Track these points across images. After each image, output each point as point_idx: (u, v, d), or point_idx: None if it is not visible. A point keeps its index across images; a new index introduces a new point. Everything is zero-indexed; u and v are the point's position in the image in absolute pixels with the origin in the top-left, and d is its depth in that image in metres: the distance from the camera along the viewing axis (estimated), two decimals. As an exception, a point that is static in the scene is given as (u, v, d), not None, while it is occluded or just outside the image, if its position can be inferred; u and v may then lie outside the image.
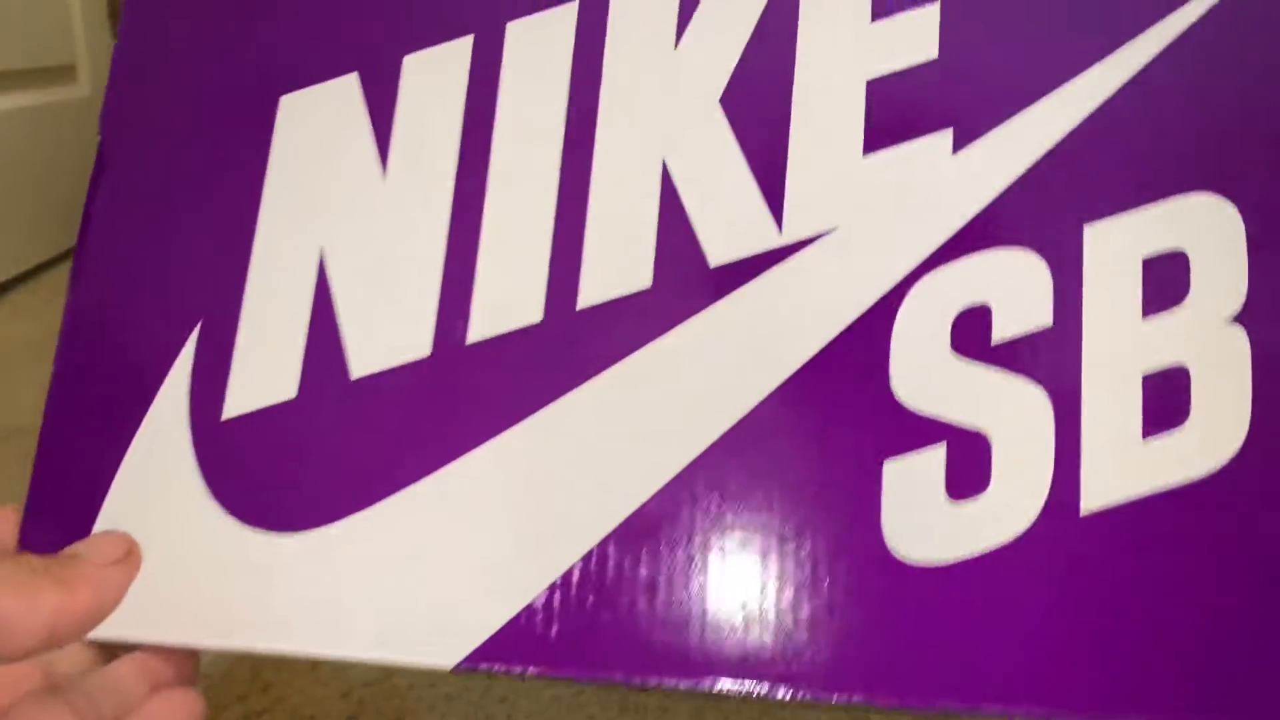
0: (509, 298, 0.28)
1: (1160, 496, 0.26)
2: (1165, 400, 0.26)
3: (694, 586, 0.26)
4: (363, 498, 0.27)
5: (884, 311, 0.27)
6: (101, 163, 0.29)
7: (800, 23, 0.28)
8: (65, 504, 0.27)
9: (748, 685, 0.25)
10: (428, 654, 0.26)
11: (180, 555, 0.27)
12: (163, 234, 0.28)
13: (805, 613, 0.26)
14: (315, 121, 0.29)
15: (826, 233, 0.27)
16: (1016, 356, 0.26)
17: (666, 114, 0.28)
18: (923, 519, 0.26)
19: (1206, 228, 0.27)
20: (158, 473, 0.27)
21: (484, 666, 0.26)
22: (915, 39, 0.28)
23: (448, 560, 0.26)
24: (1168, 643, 0.25)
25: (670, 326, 0.27)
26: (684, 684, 0.25)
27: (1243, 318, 0.26)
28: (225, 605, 0.26)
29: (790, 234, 0.27)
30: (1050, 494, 0.26)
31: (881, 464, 0.26)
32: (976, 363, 0.26)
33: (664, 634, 0.26)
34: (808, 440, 0.26)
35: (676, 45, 0.29)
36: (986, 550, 0.26)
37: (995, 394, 0.26)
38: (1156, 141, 0.27)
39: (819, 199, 0.27)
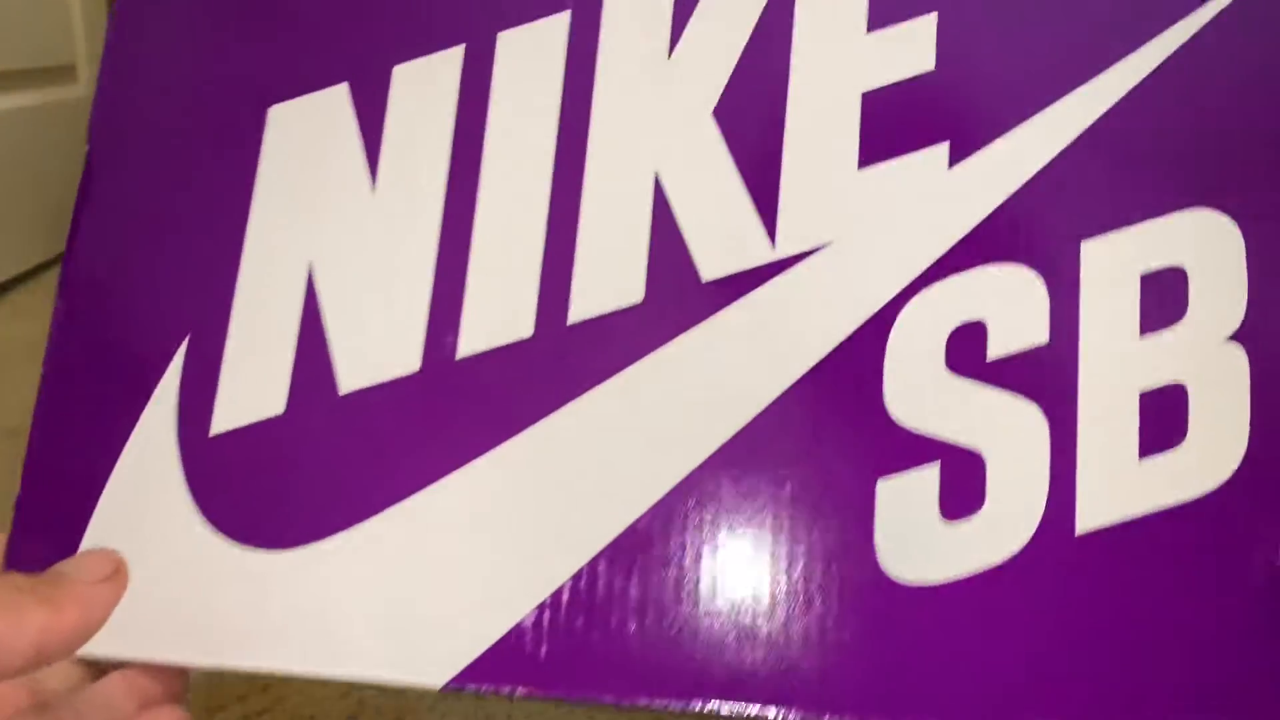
0: (499, 312, 0.27)
1: (1156, 516, 0.25)
2: (1162, 419, 0.26)
3: (685, 605, 0.26)
4: (350, 515, 0.26)
5: (878, 328, 0.26)
6: (89, 175, 0.29)
7: (795, 33, 0.28)
8: (52, 520, 0.27)
9: (739, 706, 0.25)
10: (416, 673, 0.26)
11: (168, 572, 0.26)
12: (151, 247, 0.28)
13: (798, 632, 0.25)
14: (304, 132, 0.29)
15: (820, 247, 0.27)
16: (1012, 374, 0.26)
17: (659, 125, 0.28)
18: (916, 539, 0.25)
19: (1205, 244, 0.26)
20: (145, 489, 0.27)
21: (472, 686, 0.25)
22: (912, 50, 0.28)
23: (436, 578, 0.26)
24: (1162, 664, 0.25)
25: (662, 342, 0.27)
26: (675, 704, 0.25)
27: (1241, 335, 0.26)
28: (212, 622, 0.26)
29: (783, 248, 0.27)
30: (1045, 514, 0.25)
31: (875, 483, 0.26)
32: (971, 380, 0.26)
33: (655, 654, 0.25)
34: (800, 458, 0.26)
35: (670, 55, 0.28)
36: (980, 570, 0.25)
37: (990, 412, 0.26)
38: (1155, 156, 0.27)
39: (813, 213, 0.27)
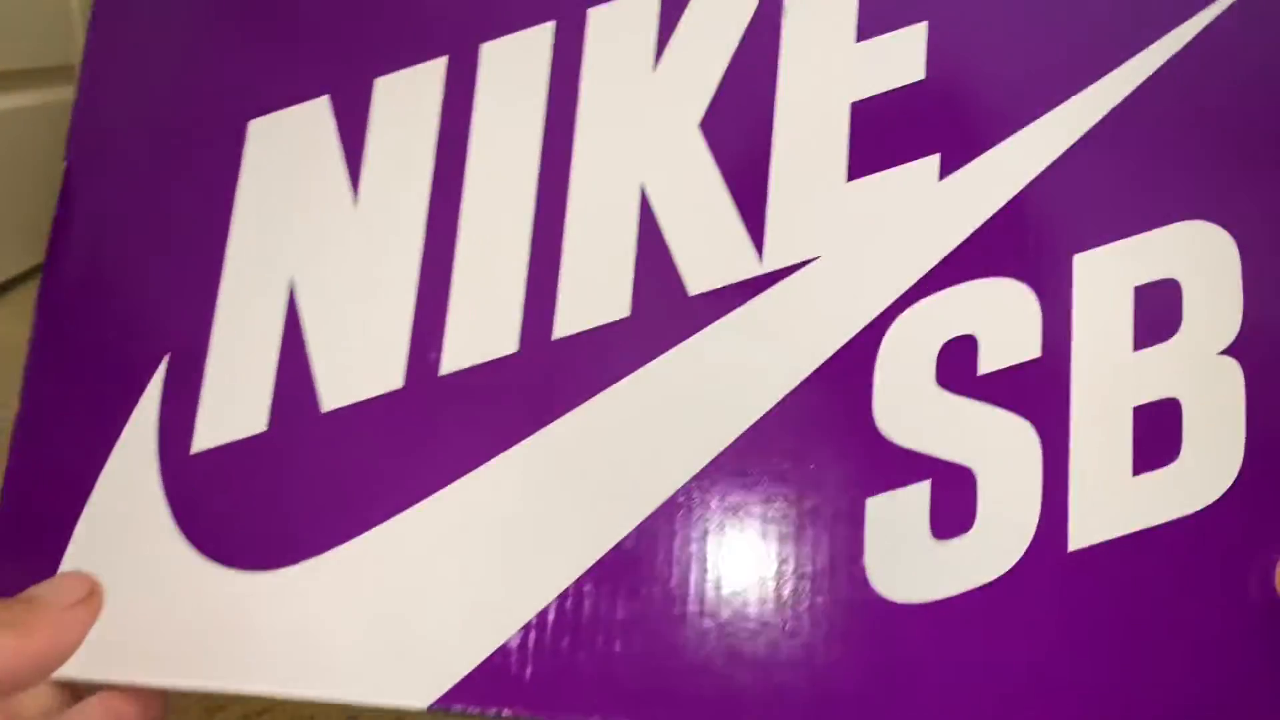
0: (483, 327, 0.27)
1: (1150, 532, 0.25)
2: (1156, 434, 0.25)
3: (672, 626, 0.25)
4: (333, 535, 0.26)
5: (867, 343, 0.26)
6: (66, 191, 0.28)
7: (783, 42, 0.28)
8: (31, 541, 0.26)
9: (727, 727, 0.25)
10: (400, 694, 0.25)
11: (148, 593, 0.26)
12: (130, 264, 0.28)
13: (787, 652, 0.25)
14: (285, 146, 0.28)
15: (809, 261, 0.27)
16: (1003, 389, 0.26)
17: (645, 137, 0.27)
18: (907, 557, 0.25)
19: (1200, 256, 0.26)
20: (125, 508, 0.26)
21: (457, 707, 0.25)
22: (901, 59, 0.27)
23: (421, 599, 0.26)
24: (1156, 681, 0.24)
25: (649, 357, 0.26)
26: (662, 726, 0.25)
27: (1236, 349, 0.25)
28: (193, 644, 0.26)
29: (771, 262, 0.27)
30: (1037, 531, 0.25)
31: (864, 501, 0.25)
32: (962, 396, 0.26)
33: (641, 675, 0.25)
34: (788, 476, 0.26)
35: (655, 66, 0.28)
36: (972, 588, 0.25)
37: (981, 428, 0.26)
38: (1149, 167, 0.26)
39: (801, 226, 0.27)
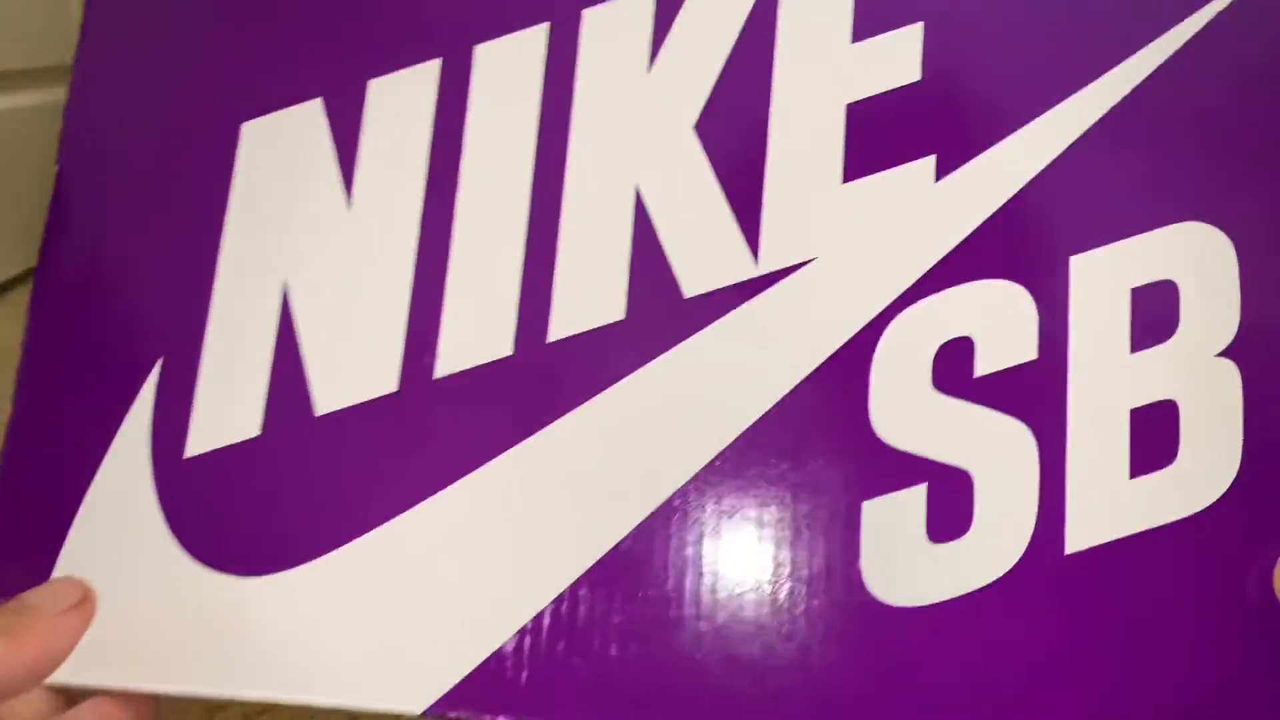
0: (478, 330, 0.27)
1: (1147, 535, 0.25)
2: (1153, 436, 0.25)
3: (668, 630, 0.25)
4: (327, 540, 0.26)
5: (863, 345, 0.26)
6: (59, 195, 0.28)
7: (778, 43, 0.27)
8: (24, 546, 0.26)
9: (723, 731, 0.25)
10: (394, 700, 0.25)
11: (142, 598, 0.26)
12: (123, 267, 0.28)
13: (783, 656, 0.25)
14: (278, 149, 0.28)
15: (804, 263, 0.26)
16: (1000, 392, 0.26)
17: (639, 139, 0.27)
18: (903, 560, 0.25)
19: (1198, 258, 0.26)
20: (119, 513, 0.26)
21: (453, 713, 0.25)
22: (897, 60, 0.27)
23: (415, 604, 0.25)
24: (1154, 685, 0.24)
25: (644, 360, 0.26)
26: (658, 730, 0.25)
27: (1233, 351, 0.25)
28: (186, 649, 0.26)
29: (767, 264, 0.26)
30: (1034, 534, 0.25)
31: (860, 504, 0.25)
32: (959, 398, 0.26)
33: (637, 679, 0.25)
34: (784, 479, 0.26)
35: (650, 68, 0.28)
36: (969, 591, 0.25)
37: (978, 431, 0.25)
38: (1146, 168, 0.26)
39: (796, 228, 0.27)
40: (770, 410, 0.26)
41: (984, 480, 0.25)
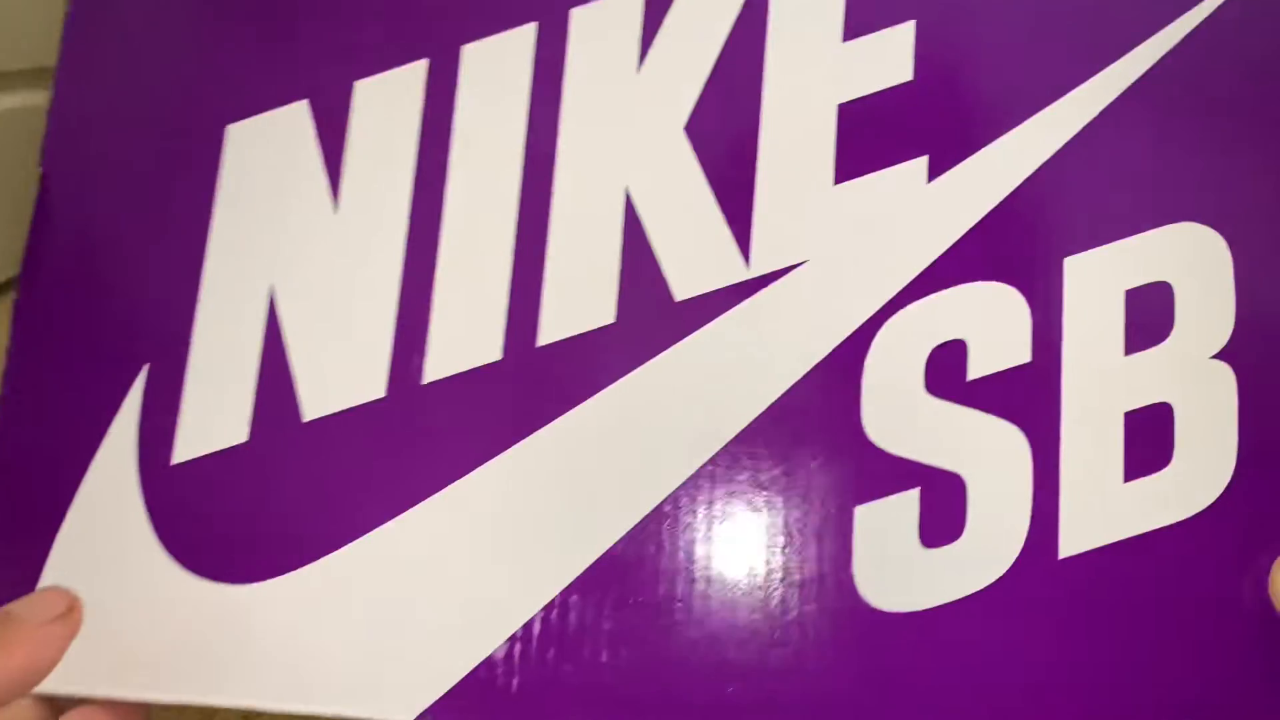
0: (466, 334, 0.27)
1: (1142, 539, 0.25)
2: (1148, 440, 0.25)
3: (660, 635, 0.25)
4: (315, 548, 0.26)
5: (855, 348, 0.26)
6: (43, 200, 0.28)
7: (769, 43, 0.27)
8: (10, 555, 0.26)
9: (715, 737, 0.24)
10: (385, 708, 0.25)
11: (129, 607, 0.26)
12: (108, 272, 0.27)
13: (775, 661, 0.25)
14: (264, 151, 0.28)
15: (795, 266, 0.26)
16: (993, 395, 0.25)
17: (629, 140, 0.27)
18: (896, 566, 0.25)
19: (1192, 259, 0.26)
20: (106, 521, 0.26)
21: (443, 720, 0.25)
22: (889, 60, 0.27)
23: (405, 611, 0.25)
24: (1149, 691, 0.24)
25: (635, 364, 0.26)
26: (649, 737, 0.25)
27: (1228, 353, 0.25)
28: (175, 658, 0.25)
29: (758, 267, 0.26)
30: (1028, 538, 0.25)
31: (853, 509, 0.25)
32: (951, 402, 0.25)
33: (628, 685, 0.25)
34: (776, 484, 0.25)
35: (639, 68, 0.27)
36: (961, 597, 0.25)
37: (971, 435, 0.25)
38: (1140, 169, 0.26)
39: (787, 230, 0.26)
40: (762, 414, 0.26)
41: (977, 484, 0.25)
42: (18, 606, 0.25)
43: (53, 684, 0.25)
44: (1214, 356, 0.25)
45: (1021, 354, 0.25)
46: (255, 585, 0.26)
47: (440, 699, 0.25)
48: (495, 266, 0.27)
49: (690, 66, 0.27)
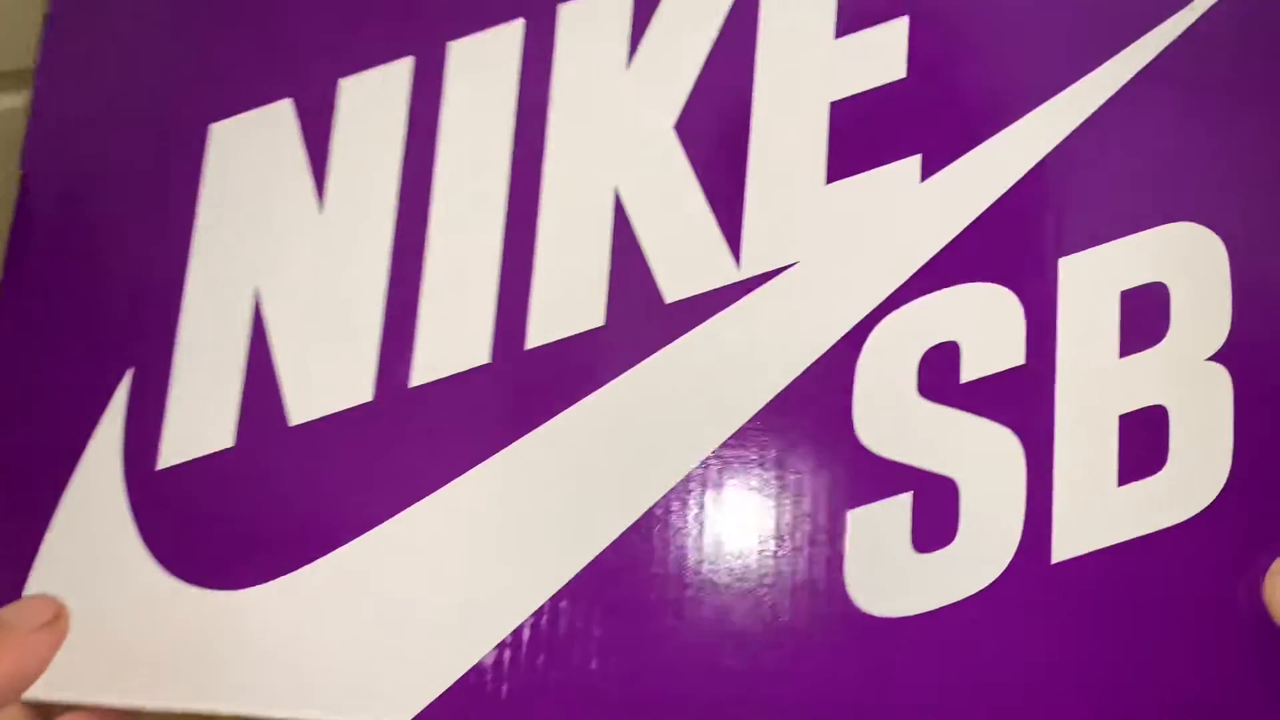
0: (454, 337, 0.26)
1: (1136, 543, 0.24)
2: (1143, 443, 0.25)
3: (650, 641, 0.25)
4: (303, 553, 0.25)
5: (847, 351, 0.25)
6: (23, 202, 0.27)
7: (760, 40, 0.27)
8: (-5, 562, 0.26)
9: (706, 743, 0.24)
10: (373, 714, 0.25)
11: (116, 613, 0.26)
12: (90, 274, 0.27)
13: (768, 668, 0.24)
14: (248, 151, 0.27)
15: (786, 267, 0.26)
16: (986, 398, 0.25)
17: (619, 140, 0.27)
18: (888, 571, 0.25)
19: (1189, 260, 0.25)
20: (91, 527, 0.26)
21: (432, 727, 0.25)
22: (882, 56, 0.26)
23: (394, 617, 0.25)
24: (1143, 697, 0.24)
25: (625, 367, 0.26)
26: (640, 743, 0.24)
27: (1224, 355, 0.25)
28: (163, 664, 0.25)
29: (748, 268, 0.26)
30: (1021, 543, 0.25)
31: (845, 513, 0.25)
32: (944, 405, 0.25)
33: (618, 691, 0.25)
34: (767, 488, 0.25)
35: (629, 65, 0.27)
36: (954, 602, 0.24)
37: (964, 438, 0.25)
38: (1136, 168, 0.26)
39: (779, 231, 0.26)
40: (753, 418, 0.25)
41: (970, 488, 0.25)
42: (4, 613, 0.24)
43: (40, 690, 0.25)
44: (1210, 358, 0.25)
45: (1015, 356, 0.25)
46: (242, 591, 0.25)
47: (429, 706, 0.25)
48: (483, 268, 0.26)
49: (680, 63, 0.27)
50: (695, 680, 0.24)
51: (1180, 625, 0.24)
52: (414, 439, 0.26)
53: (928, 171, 0.26)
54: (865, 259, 0.26)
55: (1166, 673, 0.24)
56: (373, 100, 0.27)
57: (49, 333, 0.27)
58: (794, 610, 0.25)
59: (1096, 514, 0.25)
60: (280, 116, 0.27)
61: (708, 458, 0.25)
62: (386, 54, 0.27)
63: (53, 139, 0.28)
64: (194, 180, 0.27)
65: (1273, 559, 0.24)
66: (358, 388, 0.26)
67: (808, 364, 0.25)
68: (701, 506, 0.25)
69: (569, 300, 0.26)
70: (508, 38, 0.27)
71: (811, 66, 0.26)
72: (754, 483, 0.25)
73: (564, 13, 0.27)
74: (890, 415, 0.25)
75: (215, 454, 0.26)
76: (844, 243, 0.26)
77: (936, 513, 0.25)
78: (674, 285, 0.26)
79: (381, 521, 0.26)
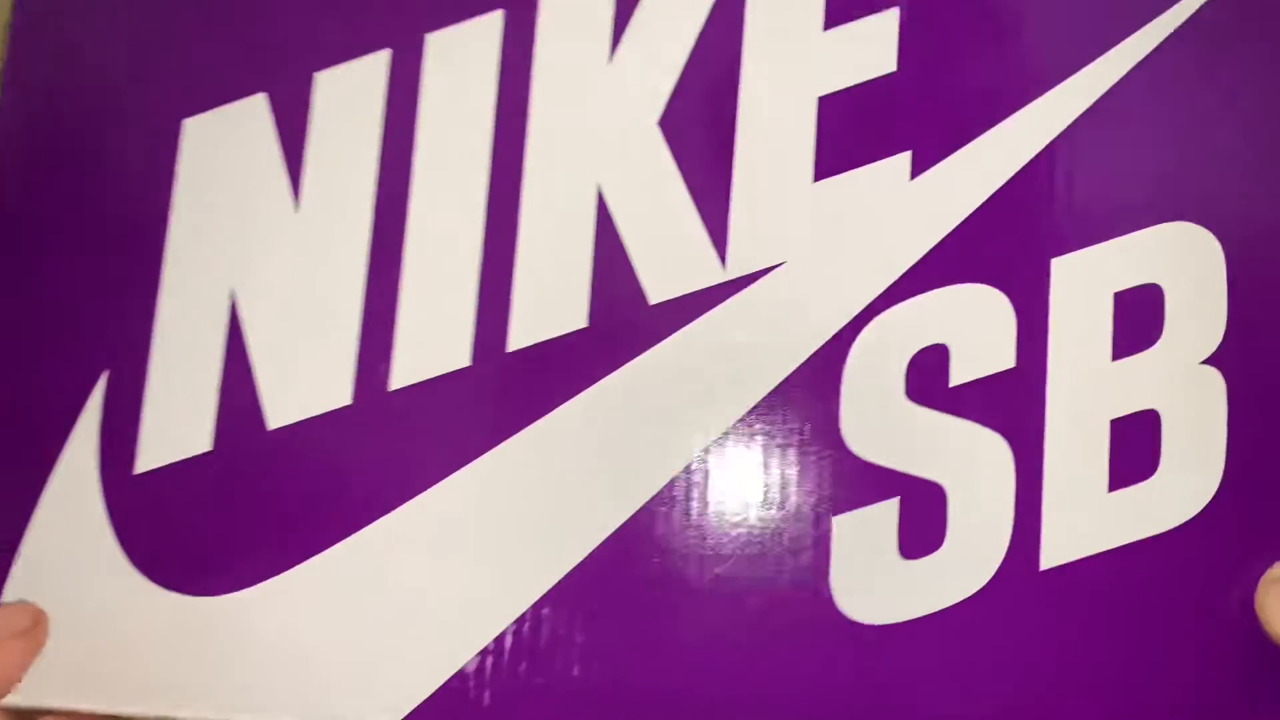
0: (434, 339, 0.26)
1: (1126, 550, 0.24)
2: (1134, 448, 0.24)
3: (633, 647, 0.24)
4: (282, 559, 0.25)
5: (834, 354, 0.25)
6: (-7, 199, 0.27)
7: (746, 32, 0.26)
8: (-29, 568, 0.26)
9: (691, 749, 0.24)
10: (355, 721, 0.25)
11: (94, 619, 0.25)
12: (63, 274, 0.26)
13: (751, 675, 0.24)
14: (222, 147, 0.27)
15: (773, 268, 0.25)
16: (975, 402, 0.25)
17: (601, 135, 0.26)
18: (873, 577, 0.24)
19: (1184, 260, 0.25)
20: (68, 533, 0.26)
21: (414, 734, 0.24)
22: (872, 50, 0.26)
23: (373, 625, 0.25)
24: (1132, 706, 0.24)
25: (608, 370, 0.25)
26: (623, 750, 0.24)
27: (1218, 358, 0.24)
28: (142, 670, 0.25)
29: (734, 269, 0.25)
30: (1009, 549, 0.24)
31: (831, 519, 0.24)
32: (933, 409, 0.25)
33: (601, 698, 0.24)
34: (753, 493, 0.25)
35: (611, 59, 0.26)
36: (941, 609, 0.24)
37: (952, 443, 0.25)
38: (1131, 166, 0.25)
39: (765, 231, 0.25)
40: (737, 423, 0.25)
41: (958, 494, 0.24)
42: (-19, 622, 0.24)
43: (19, 696, 0.25)
44: (1204, 362, 0.24)
45: (1005, 359, 0.25)
46: (221, 597, 0.25)
47: (411, 713, 0.24)
48: (463, 268, 0.26)
49: (664, 58, 0.26)
50: (679, 688, 0.24)
51: (1170, 634, 0.24)
52: (394, 443, 0.25)
53: (918, 169, 0.25)
54: (853, 259, 0.25)
55: (1156, 681, 0.24)
56: (349, 94, 0.27)
57: (20, 335, 0.26)
58: (779, 617, 0.24)
59: (1086, 520, 0.24)
60: (255, 111, 0.27)
61: (691, 462, 0.25)
62: (362, 46, 0.27)
63: (21, 135, 0.27)
64: (168, 177, 0.27)
65: (1265, 567, 0.24)
66: (336, 391, 0.26)
67: (794, 367, 0.25)
68: (686, 512, 0.25)
69: (551, 301, 0.26)
70: (487, 30, 0.26)
71: (799, 60, 0.26)
72: (739, 488, 0.25)
73: (545, 4, 0.26)
74: (878, 419, 0.25)
75: (193, 458, 0.26)
76: (832, 242, 0.25)
77: (924, 518, 0.24)
78: (658, 286, 0.25)
79: (361, 527, 0.25)
